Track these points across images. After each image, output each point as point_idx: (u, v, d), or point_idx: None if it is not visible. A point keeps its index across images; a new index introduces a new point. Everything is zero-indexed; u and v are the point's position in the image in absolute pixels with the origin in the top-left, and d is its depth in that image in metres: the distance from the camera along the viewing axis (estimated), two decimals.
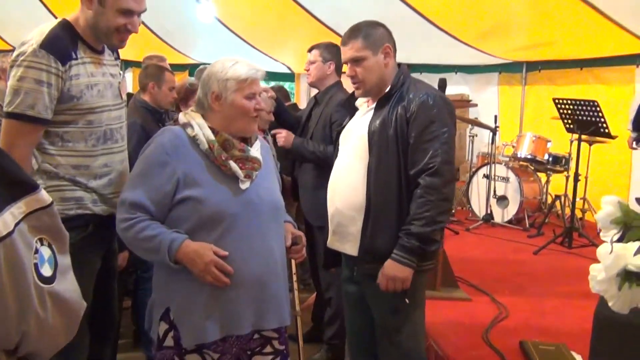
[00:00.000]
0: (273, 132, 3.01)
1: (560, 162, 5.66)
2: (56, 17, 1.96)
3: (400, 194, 1.99)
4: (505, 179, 5.78)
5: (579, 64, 6.21)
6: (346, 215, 2.09)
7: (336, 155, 2.21)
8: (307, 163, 3.00)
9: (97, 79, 1.92)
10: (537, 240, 5.01)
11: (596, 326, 1.97)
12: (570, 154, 5.44)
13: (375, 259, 2.02)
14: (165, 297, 1.75)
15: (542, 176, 5.98)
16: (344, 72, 2.36)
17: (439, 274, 3.45)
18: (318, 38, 3.55)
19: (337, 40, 3.02)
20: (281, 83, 6.96)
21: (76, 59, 1.86)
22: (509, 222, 5.71)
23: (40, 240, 1.01)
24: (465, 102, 5.90)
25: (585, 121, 4.79)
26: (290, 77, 8.47)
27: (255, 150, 1.83)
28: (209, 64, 1.91)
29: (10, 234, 0.94)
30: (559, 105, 4.97)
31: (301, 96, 8.22)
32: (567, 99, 4.93)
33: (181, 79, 4.69)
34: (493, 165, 5.79)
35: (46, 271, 1.00)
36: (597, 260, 0.95)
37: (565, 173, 5.57)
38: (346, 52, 2.08)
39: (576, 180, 4.88)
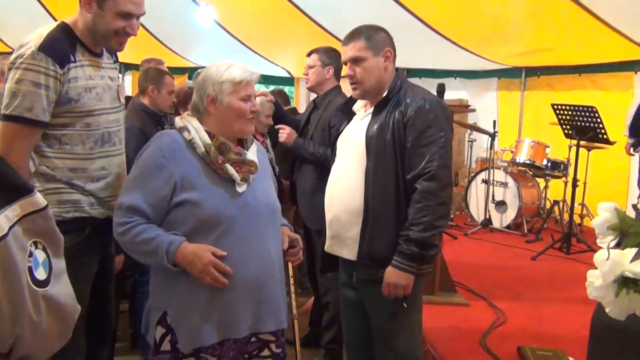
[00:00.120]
0: (277, 126, 3.01)
1: (559, 167, 5.67)
2: (56, 20, 1.96)
3: (398, 198, 1.99)
4: (504, 184, 5.79)
5: (578, 70, 6.23)
6: (344, 220, 2.08)
7: (333, 160, 2.21)
8: (307, 164, 3.00)
9: (95, 82, 1.92)
10: (536, 246, 5.01)
11: (593, 332, 1.96)
12: (568, 160, 5.44)
13: (373, 263, 2.02)
14: (163, 301, 1.75)
15: (541, 181, 5.99)
16: (343, 77, 2.36)
17: (437, 278, 3.45)
18: (317, 42, 3.55)
19: (337, 45, 3.03)
20: (280, 87, 6.98)
21: (74, 61, 1.85)
22: (508, 227, 5.71)
23: (35, 243, 1.00)
24: (464, 107, 5.91)
25: (583, 127, 4.80)
26: (289, 81, 8.47)
27: (252, 154, 1.83)
28: None
29: (4, 237, 0.94)
30: (557, 111, 4.98)
31: (300, 100, 8.23)
32: (565, 105, 4.94)
33: (180, 82, 4.69)
34: (492, 171, 5.80)
35: (40, 275, 1.00)
36: (595, 266, 0.95)
37: (564, 178, 5.57)
38: (347, 52, 2.08)
39: (574, 185, 4.88)
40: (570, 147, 5.25)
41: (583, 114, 4.78)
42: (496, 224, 5.77)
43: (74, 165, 1.89)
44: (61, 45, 1.83)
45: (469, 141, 6.56)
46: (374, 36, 2.06)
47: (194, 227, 1.69)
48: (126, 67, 7.75)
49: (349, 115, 2.25)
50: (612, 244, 0.97)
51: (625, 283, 0.92)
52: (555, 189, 5.86)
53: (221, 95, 1.75)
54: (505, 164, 6.03)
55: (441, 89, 3.36)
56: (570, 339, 2.88)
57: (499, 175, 5.82)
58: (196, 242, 1.68)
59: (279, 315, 1.82)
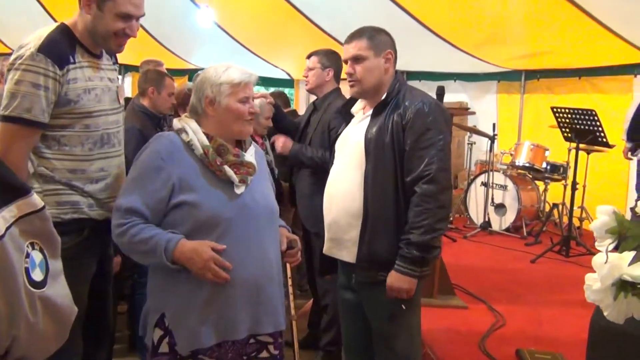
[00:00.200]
0: (273, 138, 3.01)
1: (558, 170, 5.67)
2: (56, 21, 1.96)
3: (398, 201, 1.99)
4: (503, 187, 5.79)
5: (578, 73, 6.24)
6: (343, 222, 2.08)
7: (332, 162, 2.21)
8: (306, 169, 2.99)
9: (94, 83, 1.92)
10: (535, 249, 5.01)
11: (592, 335, 1.96)
12: (568, 163, 5.45)
13: (372, 265, 2.02)
14: (161, 302, 1.74)
15: (540, 184, 5.99)
16: (343, 79, 2.36)
17: (436, 281, 3.45)
18: (317, 45, 3.55)
19: (337, 47, 3.03)
20: (280, 89, 6.98)
21: (74, 63, 1.85)
22: (507, 230, 5.71)
23: (32, 244, 1.00)
24: (464, 110, 5.91)
25: (583, 130, 4.80)
26: (289, 83, 8.48)
27: (250, 155, 1.83)
28: None
29: (1, 237, 0.93)
30: (557, 114, 4.98)
31: (300, 102, 8.24)
32: (565, 108, 4.95)
33: (180, 84, 4.70)
34: (491, 173, 5.80)
35: (37, 276, 1.00)
36: (594, 270, 0.95)
37: (563, 181, 5.58)
38: (349, 50, 2.09)
39: (574, 188, 4.88)
40: (569, 150, 5.26)
41: (582, 117, 4.78)
42: (495, 226, 5.77)
43: (72, 167, 1.89)
44: (60, 47, 1.83)
45: (468, 144, 6.57)
46: (376, 37, 2.07)
47: (192, 228, 1.69)
48: (126, 69, 7.76)
49: (347, 117, 2.25)
50: (611, 247, 0.97)
51: (624, 286, 0.91)
52: (555, 192, 5.86)
53: (219, 96, 1.75)
54: (505, 167, 6.03)
55: (441, 92, 3.37)
56: (569, 342, 2.88)
57: (499, 178, 5.83)
58: None
59: (277, 317, 1.82)
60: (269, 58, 7.71)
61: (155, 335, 1.74)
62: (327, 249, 2.19)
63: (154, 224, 1.69)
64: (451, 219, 5.95)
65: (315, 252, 2.87)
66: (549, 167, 5.70)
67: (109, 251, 2.12)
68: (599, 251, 0.95)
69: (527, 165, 5.73)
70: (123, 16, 1.85)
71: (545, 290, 3.95)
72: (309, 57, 3.09)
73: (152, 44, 7.10)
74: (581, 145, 4.91)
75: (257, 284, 1.75)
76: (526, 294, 3.83)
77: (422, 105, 1.99)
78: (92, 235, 1.95)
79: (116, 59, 2.12)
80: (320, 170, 2.78)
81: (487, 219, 5.80)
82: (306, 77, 3.08)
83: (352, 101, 2.25)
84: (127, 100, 3.11)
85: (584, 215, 5.60)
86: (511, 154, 5.94)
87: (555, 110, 5.00)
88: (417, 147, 1.96)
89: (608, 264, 0.91)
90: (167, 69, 4.12)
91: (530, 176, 6.01)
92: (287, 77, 8.40)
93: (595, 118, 4.71)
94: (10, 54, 1.90)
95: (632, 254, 0.92)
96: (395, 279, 1.97)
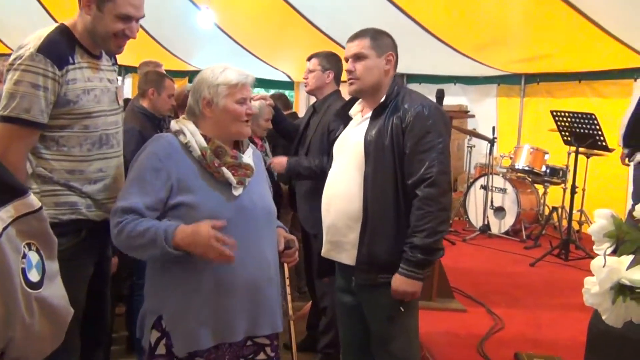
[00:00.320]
0: (268, 163, 2.98)
1: (558, 174, 5.68)
2: (56, 22, 1.96)
3: (398, 203, 1.99)
4: (503, 190, 5.79)
5: (577, 77, 6.25)
6: (342, 225, 2.08)
7: (330, 164, 2.21)
8: (304, 179, 2.98)
9: (93, 84, 1.92)
10: (534, 252, 5.01)
11: (590, 339, 1.96)
12: (567, 166, 5.45)
13: (372, 268, 2.02)
14: (158, 304, 1.74)
15: (540, 188, 5.99)
16: (343, 81, 2.36)
17: (435, 284, 3.44)
18: (317, 47, 3.56)
19: (337, 49, 3.03)
20: (281, 91, 6.98)
21: (73, 63, 1.85)
22: (506, 233, 5.70)
23: (29, 245, 1.00)
24: (464, 113, 5.93)
25: (582, 134, 4.80)
26: (289, 85, 8.48)
27: (248, 157, 1.83)
28: None
29: None
30: (556, 118, 4.99)
31: (300, 104, 8.24)
32: (565, 112, 4.95)
33: (180, 85, 4.70)
34: (490, 177, 5.80)
35: (34, 276, 0.99)
36: (593, 273, 0.95)
37: (563, 185, 5.58)
38: (351, 48, 2.10)
39: (573, 192, 4.88)
40: (569, 154, 5.26)
41: (582, 121, 4.79)
42: (495, 230, 5.77)
43: (71, 167, 1.89)
44: (60, 47, 1.82)
45: (468, 147, 6.57)
46: (379, 38, 2.09)
47: None
48: (126, 70, 7.76)
49: (345, 119, 2.25)
50: (609, 251, 0.96)
51: (622, 290, 0.91)
52: (554, 195, 5.87)
53: (217, 98, 1.75)
54: (504, 170, 6.03)
55: (440, 95, 3.37)
56: (568, 346, 2.88)
57: (498, 181, 5.83)
58: None
59: (274, 319, 1.81)
60: (269, 60, 7.72)
61: (152, 337, 1.73)
62: (325, 252, 2.19)
63: None
64: (450, 222, 5.95)
65: (314, 254, 2.87)
66: (548, 171, 5.70)
67: (107, 252, 2.12)
68: (598, 255, 0.95)
69: (527, 168, 5.73)
70: (123, 17, 1.85)
71: (544, 293, 3.94)
72: (309, 59, 3.10)
73: (152, 45, 7.10)
74: (581, 149, 4.91)
75: (255, 285, 1.74)
76: (525, 297, 3.83)
77: (422, 108, 1.99)
78: (90, 237, 1.94)
79: (116, 60, 2.12)
80: (320, 178, 2.77)
81: (486, 222, 5.80)
82: (306, 79, 3.08)
83: (351, 103, 2.25)
84: (127, 101, 3.11)
85: (583, 218, 5.60)
86: (511, 157, 5.95)
87: (554, 113, 5.00)
88: (417, 150, 1.96)
89: (606, 268, 0.91)
90: (167, 71, 4.12)
91: (530, 179, 6.01)
92: (287, 79, 8.40)
93: (595, 122, 4.71)
94: (10, 54, 1.90)
95: (630, 257, 0.92)
96: (400, 283, 1.97)
